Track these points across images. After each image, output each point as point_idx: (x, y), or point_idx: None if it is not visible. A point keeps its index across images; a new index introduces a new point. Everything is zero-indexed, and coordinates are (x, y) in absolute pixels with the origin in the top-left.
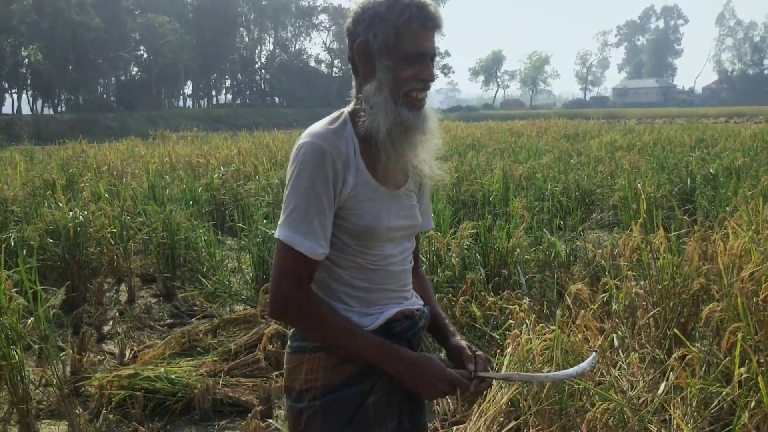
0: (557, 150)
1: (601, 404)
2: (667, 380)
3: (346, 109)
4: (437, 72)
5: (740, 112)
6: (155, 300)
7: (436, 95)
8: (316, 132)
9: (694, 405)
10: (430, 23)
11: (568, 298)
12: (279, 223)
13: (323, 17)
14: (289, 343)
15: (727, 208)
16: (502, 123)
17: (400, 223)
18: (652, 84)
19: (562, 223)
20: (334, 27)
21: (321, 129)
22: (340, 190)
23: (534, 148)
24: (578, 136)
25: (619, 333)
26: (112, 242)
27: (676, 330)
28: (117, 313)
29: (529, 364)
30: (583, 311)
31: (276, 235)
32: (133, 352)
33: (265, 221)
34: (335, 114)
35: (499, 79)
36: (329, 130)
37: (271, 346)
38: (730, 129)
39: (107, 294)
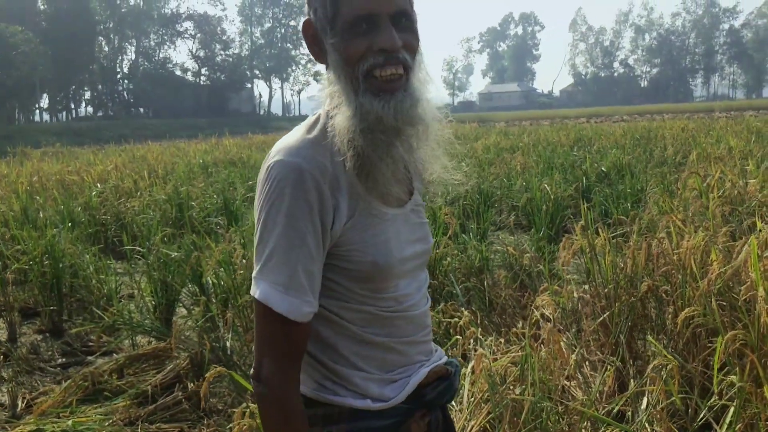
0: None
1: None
2: (649, 393)
3: (323, 110)
4: (310, 79)
5: (598, 113)
6: (41, 337)
7: (309, 102)
8: (290, 146)
9: (663, 415)
10: None
11: (536, 311)
12: (253, 274)
13: (188, 24)
14: None
15: (628, 205)
16: None
17: (413, 249)
18: (514, 88)
19: (473, 227)
20: (199, 35)
21: (296, 141)
22: (332, 222)
23: None
24: (459, 139)
25: (565, 341)
26: None
27: (650, 338)
28: (0, 356)
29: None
30: (549, 325)
31: (251, 292)
32: (25, 401)
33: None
34: (311, 119)
35: None
36: (307, 142)
37: (191, 384)
38: (600, 128)
39: None
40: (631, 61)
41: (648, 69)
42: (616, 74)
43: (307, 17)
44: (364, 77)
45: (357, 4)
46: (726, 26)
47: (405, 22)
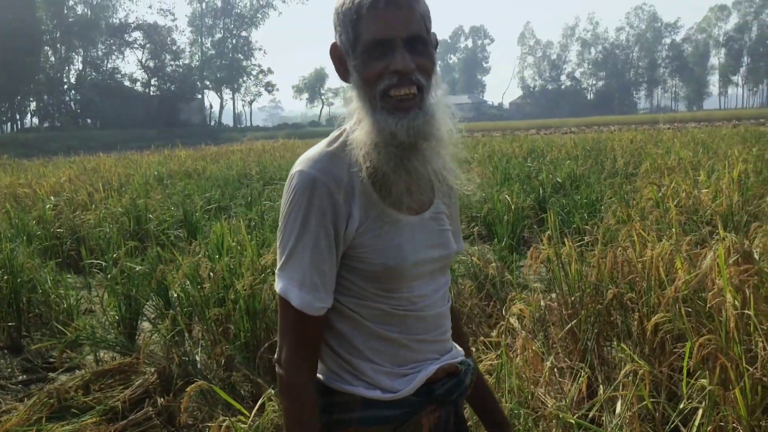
0: None
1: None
2: (624, 399)
3: (348, 125)
4: (261, 89)
5: (547, 124)
6: None
7: (260, 113)
8: (310, 158)
9: (635, 419)
10: (381, 1)
11: (512, 320)
12: (276, 271)
13: (137, 34)
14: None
15: (585, 215)
16: None
17: (429, 254)
18: (465, 100)
19: None
20: (149, 45)
21: (315, 154)
22: (345, 227)
23: None
24: None
25: (535, 348)
26: None
27: (623, 345)
28: None
29: None
30: (524, 333)
31: (275, 287)
32: None
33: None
34: (335, 132)
35: (323, 97)
36: (325, 154)
37: (161, 399)
38: (551, 140)
39: None
40: (577, 74)
41: (594, 82)
42: (563, 87)
43: (334, 41)
44: (380, 96)
45: (374, 29)
46: (668, 40)
47: (420, 46)
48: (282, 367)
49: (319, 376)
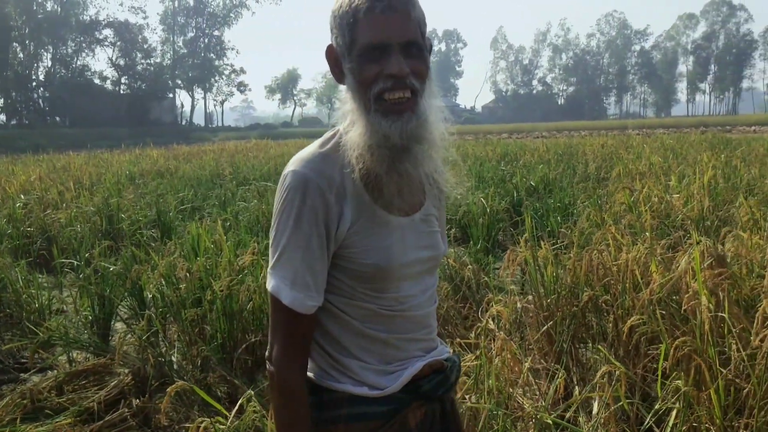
0: None
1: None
2: (600, 400)
3: (341, 126)
4: (233, 89)
5: (519, 129)
6: None
7: (231, 113)
8: (303, 158)
9: (611, 419)
10: (378, 6)
11: (491, 322)
12: (268, 269)
13: (108, 32)
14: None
15: (559, 218)
16: (309, 140)
17: (418, 255)
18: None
19: None
20: (120, 42)
21: (308, 154)
22: (337, 227)
23: None
24: None
25: (513, 350)
26: None
27: (599, 346)
28: None
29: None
30: (503, 335)
31: (267, 285)
32: None
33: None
34: (328, 134)
35: (295, 97)
36: (318, 155)
37: (136, 401)
38: (523, 144)
39: None
40: (549, 79)
41: (565, 87)
42: (534, 92)
43: (330, 43)
44: (374, 99)
45: (370, 34)
46: (637, 47)
47: (415, 51)
48: (273, 364)
49: (308, 373)
